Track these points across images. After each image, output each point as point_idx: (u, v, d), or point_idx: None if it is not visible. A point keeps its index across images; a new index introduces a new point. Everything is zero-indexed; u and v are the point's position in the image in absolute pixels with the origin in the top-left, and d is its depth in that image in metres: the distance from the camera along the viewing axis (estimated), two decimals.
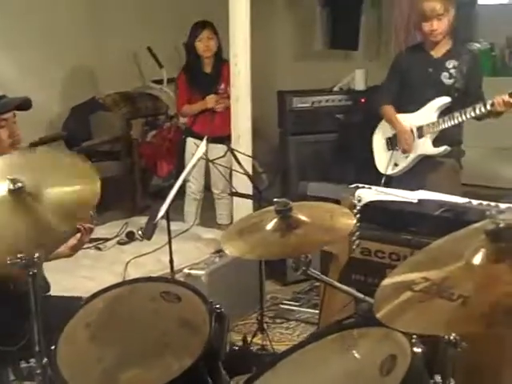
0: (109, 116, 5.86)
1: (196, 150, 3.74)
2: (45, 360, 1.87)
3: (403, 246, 2.68)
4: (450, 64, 3.84)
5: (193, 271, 3.69)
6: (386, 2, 6.13)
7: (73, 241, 2.54)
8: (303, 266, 1.99)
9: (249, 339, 3.21)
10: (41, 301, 1.87)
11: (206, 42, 4.66)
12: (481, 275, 1.36)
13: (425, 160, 3.93)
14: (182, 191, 4.31)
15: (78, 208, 1.80)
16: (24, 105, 2.54)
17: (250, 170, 3.98)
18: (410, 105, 3.95)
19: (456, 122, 3.72)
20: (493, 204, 2.68)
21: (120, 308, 2.09)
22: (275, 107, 5.52)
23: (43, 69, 5.55)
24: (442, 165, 3.91)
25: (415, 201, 2.78)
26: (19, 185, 1.73)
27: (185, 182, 4.17)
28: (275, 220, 1.98)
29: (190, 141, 4.74)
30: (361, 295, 2.02)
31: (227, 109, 4.54)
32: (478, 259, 1.38)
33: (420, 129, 3.88)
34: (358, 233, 2.79)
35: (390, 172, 4.00)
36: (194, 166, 3.71)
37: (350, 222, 2.05)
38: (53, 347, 1.90)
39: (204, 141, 3.73)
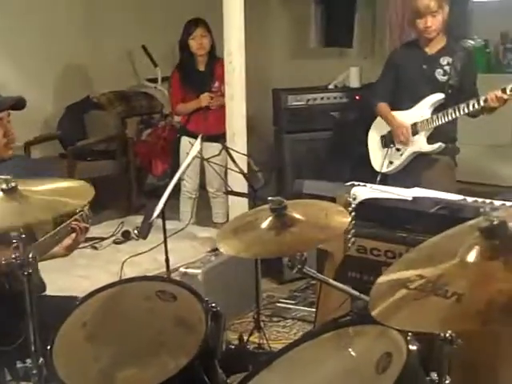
0: (103, 115, 5.85)
1: (191, 148, 3.74)
2: (41, 360, 1.87)
3: (399, 244, 2.68)
4: (445, 61, 3.84)
5: (189, 270, 3.69)
6: (380, 0, 6.13)
7: (68, 241, 2.54)
8: (299, 264, 1.99)
9: (245, 338, 3.22)
10: (36, 300, 1.87)
11: (199, 39, 4.65)
12: (475, 272, 1.36)
13: (420, 157, 3.93)
14: (177, 190, 4.32)
15: (71, 206, 1.80)
16: (18, 104, 2.54)
17: (245, 169, 3.98)
18: (405, 102, 3.96)
19: (450, 118, 3.72)
20: (488, 201, 2.68)
21: (116, 307, 2.09)
22: (270, 105, 5.52)
23: (38, 68, 5.54)
24: (436, 162, 3.91)
25: (410, 198, 2.78)
26: (12, 184, 1.73)
27: (180, 180, 4.16)
28: (270, 218, 1.98)
29: (185, 139, 4.74)
30: (356, 293, 2.02)
31: (221, 107, 4.54)
32: (472, 256, 1.38)
33: (414, 126, 3.89)
34: (353, 231, 2.79)
35: (385, 170, 4.00)
36: (188, 164, 3.70)
37: (344, 220, 2.05)
38: (49, 347, 1.90)
39: (198, 139, 3.73)
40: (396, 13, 5.80)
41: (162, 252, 3.44)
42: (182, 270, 3.71)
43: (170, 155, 5.41)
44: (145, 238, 3.38)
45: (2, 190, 1.75)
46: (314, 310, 3.30)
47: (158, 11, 6.27)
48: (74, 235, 2.54)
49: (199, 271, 3.64)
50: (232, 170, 3.86)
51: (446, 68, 3.83)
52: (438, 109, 3.82)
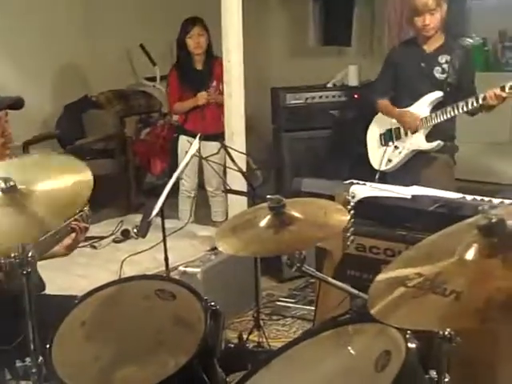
0: (102, 114, 5.85)
1: (189, 147, 3.74)
2: (40, 359, 1.87)
3: (398, 242, 2.67)
4: (443, 59, 3.84)
5: (188, 269, 3.69)
6: None
7: (68, 240, 2.54)
8: (297, 262, 1.99)
9: (245, 336, 3.22)
10: (36, 299, 1.87)
11: (196, 38, 4.65)
12: (473, 270, 1.36)
13: (418, 155, 3.93)
14: (176, 189, 4.32)
15: (71, 204, 1.80)
16: (16, 104, 2.54)
17: (243, 167, 3.98)
18: (403, 99, 3.96)
19: (449, 116, 3.73)
20: (486, 199, 2.69)
21: (115, 306, 2.09)
22: (269, 104, 5.52)
23: (36, 67, 5.53)
24: (435, 160, 3.91)
25: (409, 196, 2.78)
26: (11, 183, 1.72)
27: (178, 179, 4.16)
28: (269, 217, 1.98)
29: (183, 138, 4.74)
30: (355, 291, 2.02)
31: (219, 105, 4.55)
32: (470, 254, 1.38)
33: None
34: (352, 229, 2.79)
35: (383, 168, 4.00)
36: (187, 163, 3.70)
37: (343, 218, 2.05)
38: (48, 346, 1.91)
39: (197, 138, 3.73)
40: (394, 11, 5.81)
41: (161, 251, 3.44)
42: (182, 268, 3.71)
43: (168, 154, 5.40)
44: (144, 236, 3.38)
45: (2, 189, 1.74)
46: (313, 308, 3.30)
47: (157, 10, 6.26)
48: (73, 235, 2.54)
49: (198, 270, 3.64)
50: (231, 168, 3.86)
51: (445, 66, 3.83)
52: (437, 107, 3.82)
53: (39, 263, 2.27)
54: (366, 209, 2.81)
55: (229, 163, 3.85)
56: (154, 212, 3.33)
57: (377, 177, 3.86)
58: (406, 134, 3.94)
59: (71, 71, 5.94)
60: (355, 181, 3.01)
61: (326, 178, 3.26)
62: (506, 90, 3.49)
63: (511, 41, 5.96)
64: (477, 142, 5.49)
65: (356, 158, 4.56)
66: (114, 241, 4.53)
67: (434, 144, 3.86)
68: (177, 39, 4.76)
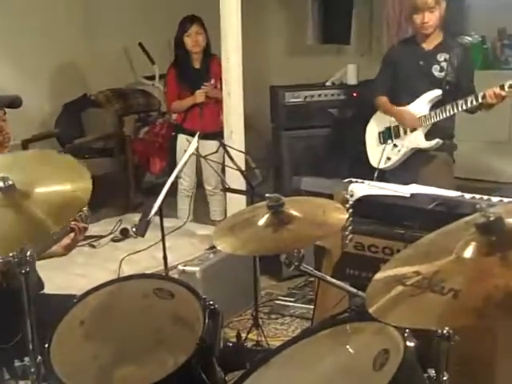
0: (101, 113, 5.85)
1: (188, 146, 3.74)
2: (39, 358, 1.87)
3: (396, 240, 2.67)
4: (442, 57, 3.84)
5: (187, 268, 3.68)
6: None
7: (66, 240, 2.54)
8: (296, 261, 1.98)
9: (244, 335, 3.22)
10: (34, 299, 1.86)
11: (194, 37, 4.66)
12: (471, 269, 1.36)
13: (417, 154, 3.93)
14: (174, 188, 4.32)
15: (70, 206, 1.79)
16: (14, 103, 2.54)
17: (242, 166, 3.98)
18: (402, 98, 3.96)
19: (448, 114, 3.73)
20: (485, 197, 2.68)
21: (113, 305, 2.09)
22: (268, 102, 5.52)
23: (35, 66, 5.53)
24: (434, 158, 3.91)
25: (408, 195, 2.78)
26: (9, 182, 1.72)
27: (177, 178, 4.16)
28: (267, 215, 1.98)
29: (182, 137, 4.74)
30: (354, 290, 2.02)
31: (217, 104, 4.55)
32: (468, 253, 1.38)
33: None
34: (350, 227, 2.79)
35: (382, 166, 4.00)
36: (185, 162, 3.70)
37: (342, 216, 2.04)
38: (46, 345, 1.90)
39: (195, 137, 3.73)
40: (393, 9, 5.81)
41: (160, 250, 3.43)
42: (180, 267, 3.70)
43: (167, 153, 5.40)
44: (142, 235, 3.37)
45: (0, 188, 1.73)
46: (312, 307, 3.30)
47: (156, 9, 6.26)
48: (72, 235, 2.54)
49: (197, 269, 3.64)
50: (230, 167, 3.86)
51: (443, 64, 3.83)
52: (436, 105, 3.82)
53: (38, 263, 2.27)
54: (365, 207, 2.81)
55: (228, 162, 3.85)
56: (153, 211, 3.33)
57: (375, 175, 3.86)
58: (405, 133, 3.94)
59: (70, 70, 5.94)
60: (354, 179, 3.01)
61: (325, 177, 3.26)
62: (506, 88, 3.49)
63: (510, 39, 5.96)
64: (476, 140, 5.51)
65: (355, 156, 4.56)
66: (113, 240, 4.53)
67: (433, 142, 3.86)
68: (175, 38, 4.76)
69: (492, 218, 1.36)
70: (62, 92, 5.83)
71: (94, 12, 5.99)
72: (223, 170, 4.27)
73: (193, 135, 3.81)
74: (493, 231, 1.37)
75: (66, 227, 2.49)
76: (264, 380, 1.84)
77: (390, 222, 2.77)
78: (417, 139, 3.89)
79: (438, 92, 3.82)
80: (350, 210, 2.76)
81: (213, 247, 3.89)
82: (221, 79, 4.39)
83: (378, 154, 4.04)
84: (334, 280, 2.15)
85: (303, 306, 3.95)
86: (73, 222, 2.50)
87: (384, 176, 3.91)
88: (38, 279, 2.59)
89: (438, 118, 3.78)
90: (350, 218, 2.72)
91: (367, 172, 3.84)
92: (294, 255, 1.98)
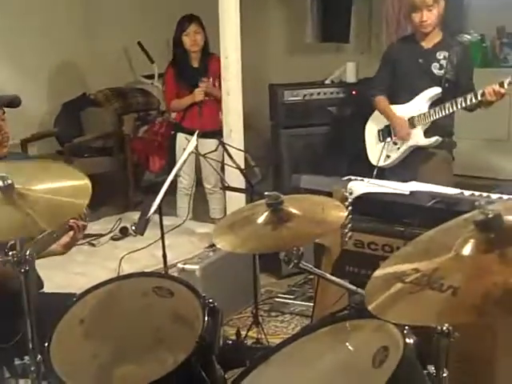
0: (100, 112, 5.85)
1: (187, 144, 3.74)
2: (39, 357, 1.87)
3: (396, 238, 2.67)
4: (441, 55, 3.84)
5: (187, 266, 3.69)
6: None
7: (66, 238, 2.53)
8: (295, 259, 1.98)
9: (243, 333, 3.22)
10: (34, 298, 1.87)
11: (192, 36, 4.66)
12: (470, 266, 1.36)
13: (417, 151, 3.93)
14: (174, 186, 4.32)
15: (69, 206, 1.80)
16: (13, 102, 2.54)
17: (242, 164, 3.98)
18: (402, 96, 3.96)
19: (447, 112, 3.73)
20: (485, 195, 2.69)
21: (113, 304, 2.09)
22: (267, 100, 5.52)
23: (34, 65, 5.54)
24: (434, 156, 3.91)
25: (407, 192, 2.78)
26: (8, 182, 1.72)
27: (176, 177, 4.17)
28: (266, 213, 1.98)
29: (181, 136, 4.75)
30: (353, 287, 2.02)
31: (216, 102, 4.55)
32: (467, 250, 1.38)
33: (411, 120, 3.89)
34: (350, 225, 2.79)
35: (382, 164, 4.00)
36: (184, 161, 3.70)
37: (341, 214, 2.04)
38: (46, 344, 1.90)
39: (194, 136, 3.73)
40: (392, 7, 5.82)
41: (159, 248, 3.44)
42: (180, 265, 3.71)
43: (167, 151, 5.41)
44: (142, 234, 3.38)
45: None
46: (312, 304, 3.31)
47: (155, 8, 6.26)
48: (71, 233, 2.53)
49: (197, 267, 3.64)
50: (229, 165, 3.86)
51: (443, 62, 3.83)
52: (436, 103, 3.82)
53: (37, 261, 2.27)
54: (364, 205, 2.81)
55: (227, 160, 3.85)
56: (152, 209, 3.33)
57: (375, 172, 3.86)
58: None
59: (69, 69, 5.93)
60: (353, 177, 3.01)
61: (325, 175, 3.26)
62: (505, 86, 3.50)
63: (509, 37, 5.96)
64: (475, 138, 5.51)
65: (354, 154, 4.56)
66: (113, 238, 4.53)
67: (433, 140, 3.86)
68: (173, 37, 4.76)
69: (490, 216, 1.36)
70: (61, 91, 5.83)
71: (93, 11, 5.99)
72: (222, 169, 4.27)
73: (192, 134, 3.81)
74: (491, 228, 1.37)
75: (65, 225, 2.49)
76: (264, 378, 1.84)
77: (390, 220, 2.77)
78: (416, 137, 3.89)
79: (437, 90, 3.82)
80: (350, 208, 2.77)
81: (212, 245, 3.89)
82: (219, 78, 4.38)
83: (378, 151, 4.04)
84: (333, 277, 2.15)
85: (303, 303, 3.95)
86: (72, 220, 2.49)
87: (383, 174, 3.91)
88: (38, 278, 2.59)
89: (438, 116, 3.78)
90: (350, 216, 2.73)
91: (366, 170, 3.84)
92: (294, 253, 1.98)
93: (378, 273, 1.54)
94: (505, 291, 1.27)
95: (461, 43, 4.09)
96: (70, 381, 1.83)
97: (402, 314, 1.41)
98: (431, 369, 1.62)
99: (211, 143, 4.26)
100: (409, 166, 3.92)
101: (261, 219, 1.98)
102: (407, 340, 1.58)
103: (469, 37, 5.71)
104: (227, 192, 4.37)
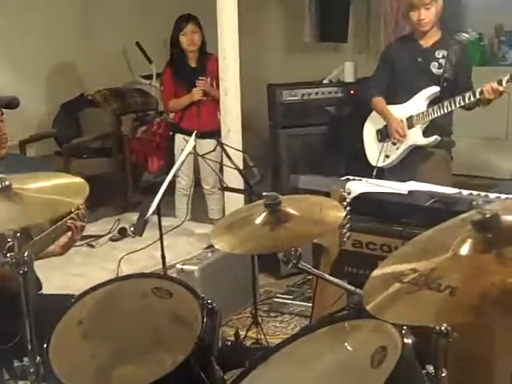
0: (98, 112, 5.85)
1: (185, 145, 3.74)
2: (38, 359, 1.87)
3: (394, 238, 2.67)
4: (439, 54, 3.85)
5: (185, 266, 3.69)
6: None
7: (64, 239, 2.53)
8: (293, 259, 1.98)
9: (243, 333, 3.22)
10: (33, 299, 1.87)
11: (189, 35, 4.66)
12: (468, 266, 1.36)
13: (416, 151, 3.93)
14: (172, 187, 4.31)
15: (66, 205, 1.80)
16: (11, 104, 2.54)
17: (240, 165, 3.98)
18: (400, 95, 3.96)
19: (446, 111, 3.73)
20: (483, 194, 2.69)
21: (112, 305, 2.09)
22: (265, 100, 5.52)
23: (32, 66, 5.54)
24: (432, 155, 3.91)
25: (405, 192, 2.78)
26: (6, 183, 1.72)
27: (174, 177, 4.17)
28: (264, 214, 1.98)
29: (179, 137, 4.75)
30: (351, 287, 2.02)
31: (214, 102, 4.55)
32: (465, 250, 1.38)
33: (410, 119, 3.89)
34: (348, 225, 2.79)
35: (381, 164, 4.00)
36: (183, 161, 3.70)
37: (339, 214, 2.04)
38: (45, 345, 1.90)
39: (193, 136, 3.73)
40: (390, 7, 5.82)
41: (158, 249, 3.43)
42: (179, 266, 3.70)
43: (165, 152, 5.41)
44: (140, 235, 3.38)
45: None
46: (310, 305, 3.31)
47: (153, 8, 6.26)
48: (69, 234, 2.53)
49: (196, 268, 3.64)
50: (227, 166, 3.86)
51: (441, 61, 3.84)
52: (434, 102, 3.82)
53: (36, 262, 2.27)
54: (362, 205, 2.81)
55: (225, 161, 3.85)
56: (151, 210, 3.33)
57: (374, 173, 3.86)
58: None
59: (67, 70, 5.93)
60: (351, 177, 3.01)
61: (323, 175, 3.26)
62: (504, 83, 3.50)
63: (507, 35, 5.97)
64: (473, 137, 5.51)
65: (352, 154, 4.56)
66: (111, 239, 4.53)
67: (431, 139, 3.86)
68: (170, 37, 4.75)
69: (488, 215, 1.36)
70: (60, 92, 5.83)
71: (90, 12, 5.99)
72: (221, 169, 4.27)
73: (190, 134, 3.81)
74: (489, 228, 1.37)
75: (63, 226, 2.48)
76: (263, 378, 1.84)
77: (388, 220, 2.77)
78: (415, 136, 3.89)
79: (435, 89, 3.82)
80: (348, 208, 2.76)
81: (211, 246, 3.89)
82: (217, 78, 4.38)
83: (377, 151, 4.04)
84: (332, 278, 2.15)
85: (302, 303, 3.95)
86: (70, 221, 2.50)
87: (382, 174, 3.91)
88: (36, 279, 2.59)
89: (436, 115, 3.78)
90: (348, 216, 2.73)
91: (364, 170, 3.83)
92: (292, 253, 1.98)
93: (376, 273, 1.54)
94: (502, 291, 1.27)
95: (459, 42, 4.08)
96: (69, 382, 1.84)
97: (400, 313, 1.41)
98: (430, 369, 1.62)
99: (209, 144, 4.26)
100: (407, 165, 3.92)
101: (259, 220, 1.98)
102: (405, 340, 1.58)
103: (467, 35, 5.67)
104: (226, 192, 4.37)
